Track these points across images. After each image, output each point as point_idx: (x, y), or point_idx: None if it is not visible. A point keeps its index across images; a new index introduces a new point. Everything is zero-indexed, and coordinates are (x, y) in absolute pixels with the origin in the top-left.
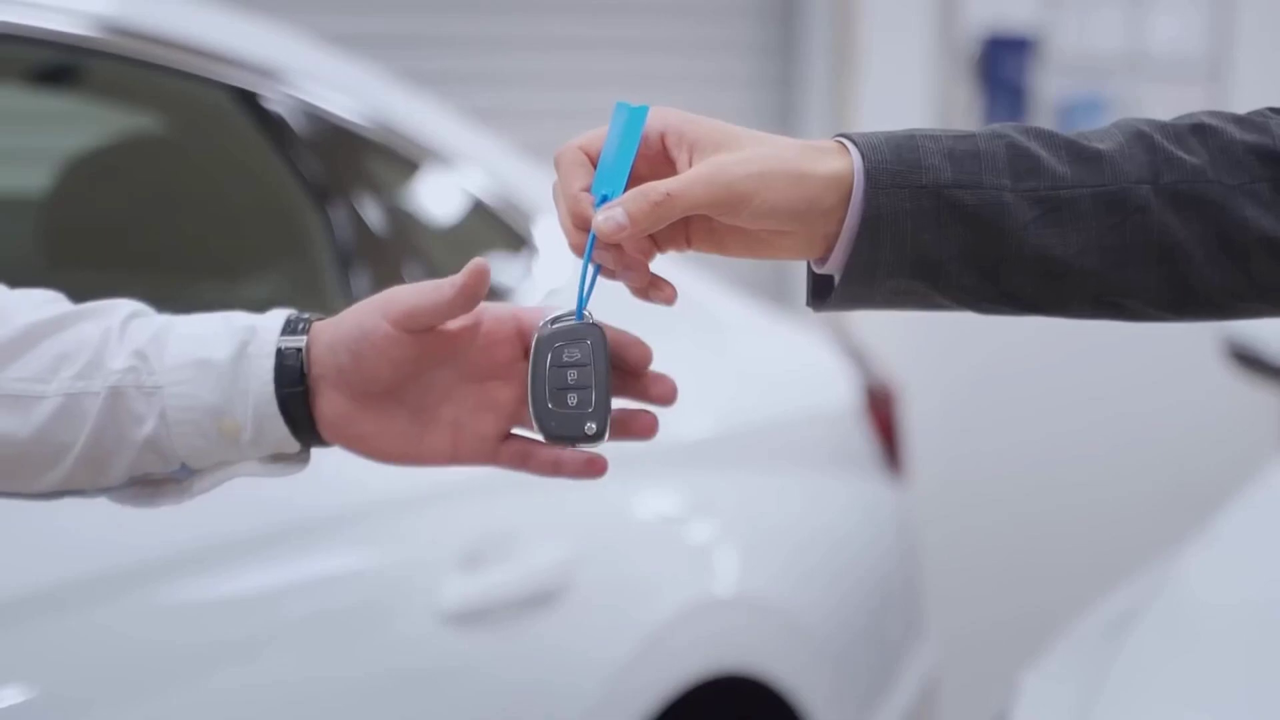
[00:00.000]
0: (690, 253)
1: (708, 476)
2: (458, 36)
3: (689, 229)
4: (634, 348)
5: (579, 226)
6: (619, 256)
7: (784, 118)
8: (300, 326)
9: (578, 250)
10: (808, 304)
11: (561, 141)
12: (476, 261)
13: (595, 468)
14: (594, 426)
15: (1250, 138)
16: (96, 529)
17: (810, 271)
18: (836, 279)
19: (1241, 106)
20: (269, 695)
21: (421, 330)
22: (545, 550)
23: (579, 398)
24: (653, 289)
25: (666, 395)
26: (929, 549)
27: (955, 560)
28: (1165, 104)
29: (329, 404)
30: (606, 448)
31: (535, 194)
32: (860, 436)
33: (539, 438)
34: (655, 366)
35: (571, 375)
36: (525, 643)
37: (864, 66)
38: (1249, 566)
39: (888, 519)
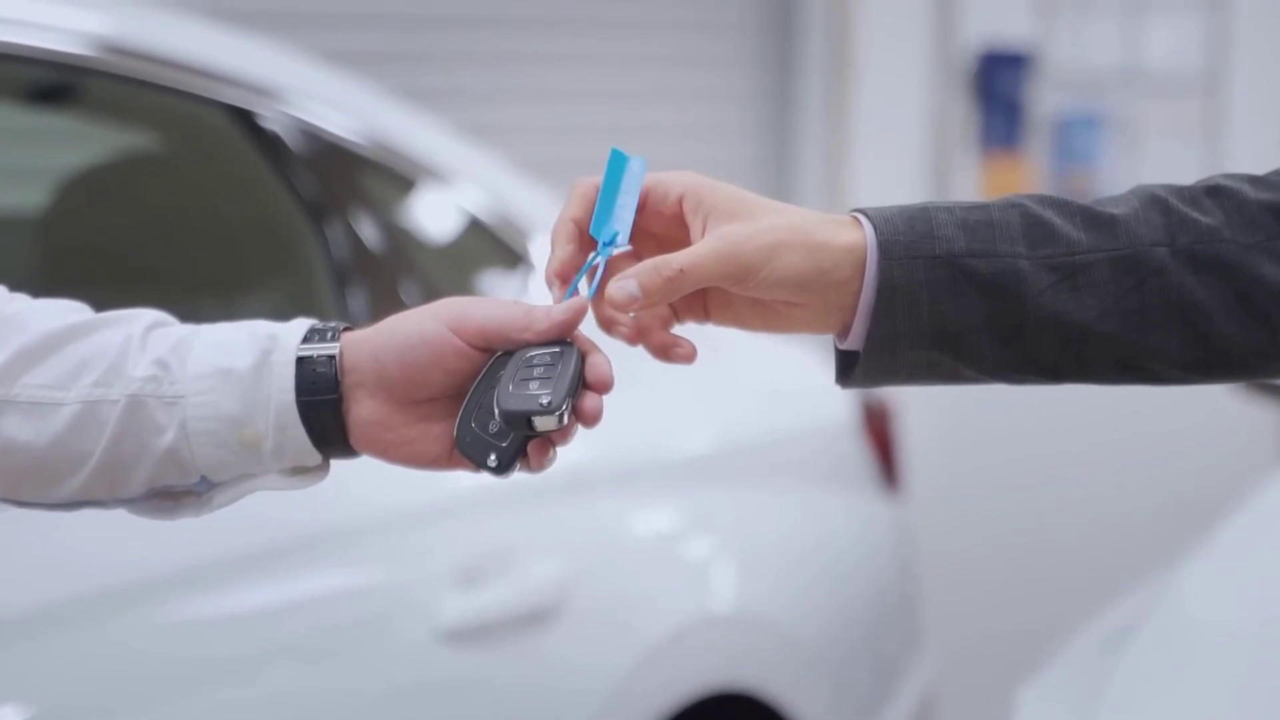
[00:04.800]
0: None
1: (705, 492)
2: (453, 54)
3: (707, 300)
4: (594, 368)
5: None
6: (633, 336)
7: (781, 132)
8: (329, 335)
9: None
10: (836, 381)
11: (558, 158)
12: (580, 300)
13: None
14: (548, 400)
15: (1265, 196)
16: (98, 546)
17: (836, 349)
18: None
19: (1239, 121)
20: (269, 712)
21: (491, 348)
22: (542, 567)
23: (540, 384)
24: (673, 349)
25: (584, 413)
26: (928, 564)
27: (954, 575)
28: (1162, 119)
29: (366, 411)
30: (602, 462)
31: (531, 211)
32: (857, 452)
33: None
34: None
35: (538, 370)
36: (522, 660)
37: (861, 82)
38: (1247, 581)
39: (885, 535)
